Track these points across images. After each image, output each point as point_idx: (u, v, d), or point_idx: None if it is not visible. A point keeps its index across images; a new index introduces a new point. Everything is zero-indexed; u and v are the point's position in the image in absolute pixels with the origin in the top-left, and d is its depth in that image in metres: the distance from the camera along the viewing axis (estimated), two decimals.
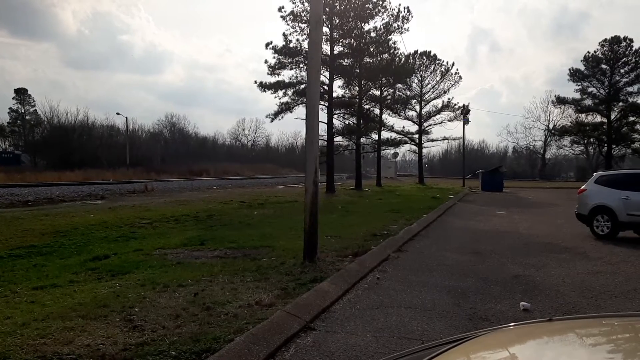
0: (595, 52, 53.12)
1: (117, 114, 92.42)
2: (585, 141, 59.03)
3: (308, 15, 27.35)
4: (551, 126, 71.17)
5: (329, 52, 28.09)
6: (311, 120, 7.61)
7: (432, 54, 46.29)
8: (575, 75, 54.93)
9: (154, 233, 11.17)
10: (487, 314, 5.48)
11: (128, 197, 24.01)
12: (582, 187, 13.39)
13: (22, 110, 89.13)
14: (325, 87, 28.05)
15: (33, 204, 20.34)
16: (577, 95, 55.43)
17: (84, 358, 3.78)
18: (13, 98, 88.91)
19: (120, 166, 56.18)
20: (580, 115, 56.68)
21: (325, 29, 27.36)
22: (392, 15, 29.21)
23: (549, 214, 19.24)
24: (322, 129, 28.12)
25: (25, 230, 11.34)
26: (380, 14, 28.92)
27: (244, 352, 3.84)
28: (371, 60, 30.30)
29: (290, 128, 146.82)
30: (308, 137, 7.72)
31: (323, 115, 27.81)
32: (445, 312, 5.52)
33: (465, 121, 43.21)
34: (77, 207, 18.17)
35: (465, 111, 43.44)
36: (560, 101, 58.00)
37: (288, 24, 27.94)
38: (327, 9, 26.36)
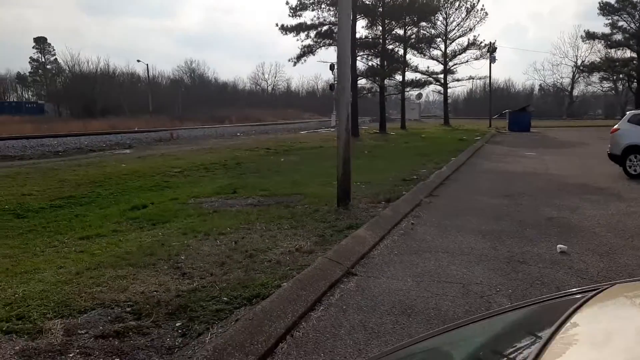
0: None
1: (138, 61, 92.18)
2: (615, 77, 57.28)
3: None
4: (579, 62, 69.14)
5: None
6: (342, 67, 7.49)
7: None
8: (605, 9, 52.61)
9: (185, 182, 11.36)
10: (524, 257, 5.53)
11: (155, 146, 24.31)
12: (615, 126, 13.11)
13: (43, 60, 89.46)
14: None
15: (63, 154, 20.76)
16: (607, 30, 53.34)
17: (141, 304, 3.95)
18: (33, 47, 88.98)
19: (143, 114, 56.51)
20: (609, 50, 54.78)
21: None
22: None
23: (579, 154, 18.97)
24: None
25: (61, 180, 11.61)
26: None
27: (292, 297, 3.98)
28: None
29: (311, 71, 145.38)
30: (339, 84, 7.62)
31: None
32: (483, 256, 5.59)
33: (492, 59, 42.09)
34: (106, 156, 18.51)
35: (491, 49, 42.19)
36: (590, 36, 55.92)
37: None
38: None
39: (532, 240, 6.31)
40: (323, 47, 29.14)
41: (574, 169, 13.91)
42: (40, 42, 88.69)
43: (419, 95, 52.02)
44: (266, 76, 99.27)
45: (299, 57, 29.85)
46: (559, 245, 5.90)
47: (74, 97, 60.83)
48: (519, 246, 6.01)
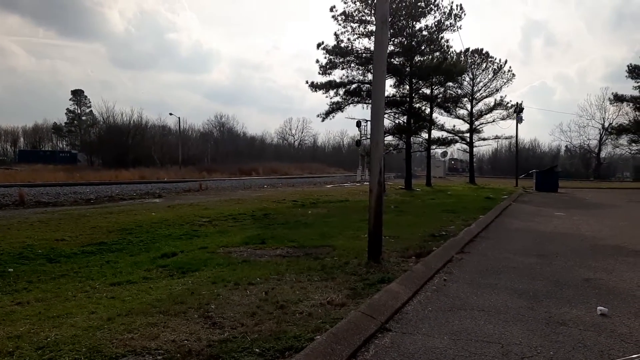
0: None
1: (170, 114, 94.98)
2: None
3: (360, 15, 27.43)
4: (607, 124, 68.81)
5: None
6: (376, 122, 7.57)
7: (484, 52, 45.42)
8: (634, 72, 52.87)
9: (215, 231, 11.41)
10: (563, 319, 5.33)
11: (184, 196, 24.62)
12: None
13: (79, 111, 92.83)
14: None
15: (95, 201, 21.11)
16: (637, 93, 53.27)
17: (172, 353, 3.90)
18: (70, 99, 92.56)
19: (173, 165, 57.73)
20: (638, 113, 54.45)
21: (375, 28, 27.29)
22: (444, 13, 28.92)
23: (610, 215, 18.56)
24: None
25: (93, 227, 11.78)
26: (432, 12, 28.66)
27: (327, 351, 3.88)
28: (422, 59, 30.01)
29: (337, 127, 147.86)
30: (373, 139, 7.69)
31: None
32: (520, 315, 5.41)
33: (519, 120, 42.13)
34: (137, 205, 18.75)
35: (518, 109, 42.34)
36: (618, 99, 55.97)
37: (339, 24, 28.08)
38: None
39: (570, 301, 6.10)
40: (351, 104, 29.70)
41: (606, 230, 13.57)
42: (77, 95, 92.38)
43: (445, 153, 52.09)
44: (293, 131, 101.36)
45: (327, 114, 30.44)
46: (599, 307, 5.69)
47: (107, 147, 62.49)
48: (557, 307, 5.81)
